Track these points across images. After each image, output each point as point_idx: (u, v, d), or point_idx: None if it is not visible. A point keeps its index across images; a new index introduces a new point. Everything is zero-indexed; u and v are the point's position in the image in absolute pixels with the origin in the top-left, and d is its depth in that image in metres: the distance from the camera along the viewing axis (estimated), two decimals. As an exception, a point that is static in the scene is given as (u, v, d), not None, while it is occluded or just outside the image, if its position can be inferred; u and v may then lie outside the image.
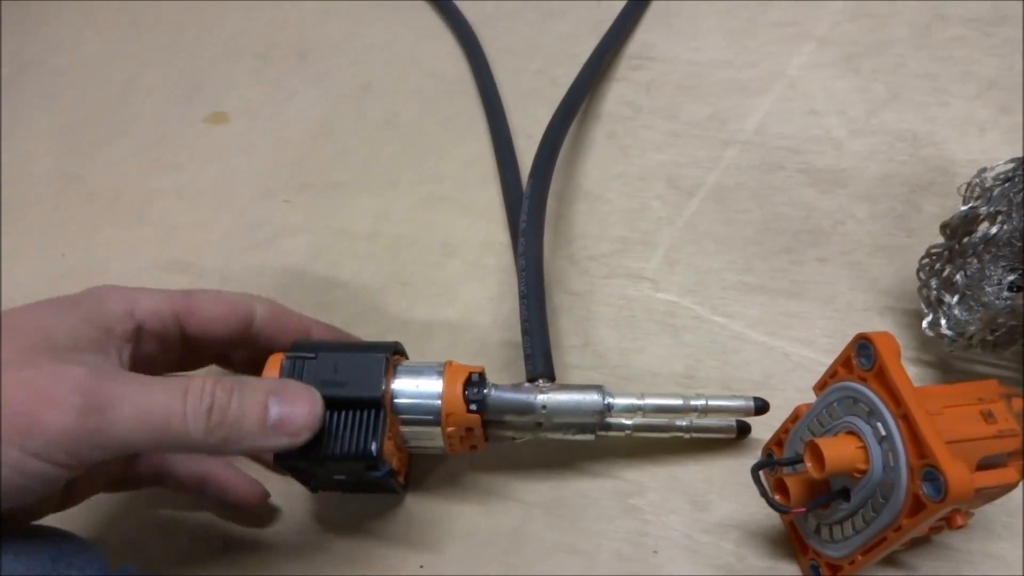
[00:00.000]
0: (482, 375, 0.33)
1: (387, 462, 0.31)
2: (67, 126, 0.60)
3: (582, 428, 0.34)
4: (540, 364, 0.34)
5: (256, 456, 0.38)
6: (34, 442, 0.25)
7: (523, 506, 0.36)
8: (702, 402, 0.34)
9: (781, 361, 0.38)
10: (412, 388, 0.33)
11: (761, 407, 0.34)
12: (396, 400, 0.32)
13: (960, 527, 0.28)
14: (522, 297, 0.36)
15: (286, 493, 0.37)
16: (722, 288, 0.41)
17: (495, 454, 0.37)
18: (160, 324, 0.32)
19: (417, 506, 0.36)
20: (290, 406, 0.29)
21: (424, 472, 0.37)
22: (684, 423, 0.35)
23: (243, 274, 0.47)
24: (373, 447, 0.30)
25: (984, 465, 0.28)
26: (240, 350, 0.36)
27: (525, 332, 0.35)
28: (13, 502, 0.26)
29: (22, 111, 0.62)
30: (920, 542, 0.33)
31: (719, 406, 0.34)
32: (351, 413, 0.31)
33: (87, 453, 0.26)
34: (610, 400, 0.34)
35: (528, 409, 0.33)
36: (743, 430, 0.36)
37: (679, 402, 0.34)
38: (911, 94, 0.47)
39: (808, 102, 0.48)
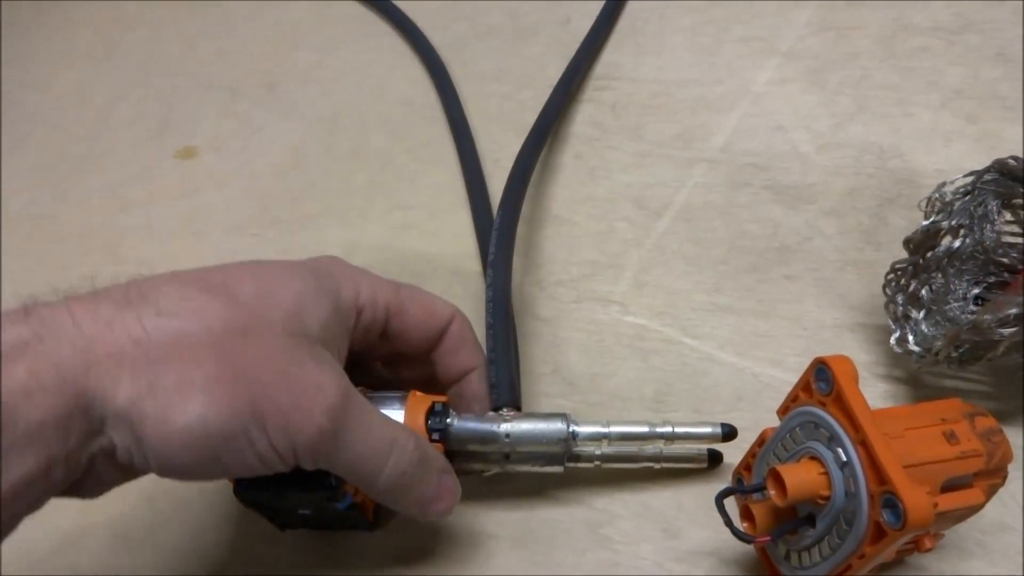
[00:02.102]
0: (445, 405, 0.33)
1: (347, 493, 0.31)
2: (39, 165, 0.60)
3: (550, 459, 0.34)
4: (505, 393, 0.34)
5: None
6: (283, 443, 0.26)
7: (492, 539, 0.35)
8: (668, 429, 0.34)
9: (751, 382, 0.38)
10: None
11: (728, 433, 0.34)
12: None
13: (929, 550, 0.28)
14: (488, 327, 0.36)
15: (252, 535, 0.37)
16: (691, 309, 0.41)
17: (463, 485, 0.36)
18: (372, 316, 0.31)
19: (383, 541, 0.36)
20: (448, 488, 0.31)
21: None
22: (653, 450, 0.35)
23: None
24: (333, 479, 0.30)
25: (949, 487, 0.28)
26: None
27: (491, 361, 0.35)
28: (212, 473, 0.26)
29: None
30: (893, 564, 0.32)
31: (686, 433, 0.34)
32: None
33: (298, 464, 0.27)
34: (575, 428, 0.33)
35: (492, 438, 0.33)
36: (715, 458, 0.35)
37: (645, 429, 0.34)
38: (876, 106, 0.47)
39: (774, 118, 0.48)
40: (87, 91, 0.64)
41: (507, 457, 0.33)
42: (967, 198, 0.35)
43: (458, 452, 0.33)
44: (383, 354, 0.35)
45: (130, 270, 0.50)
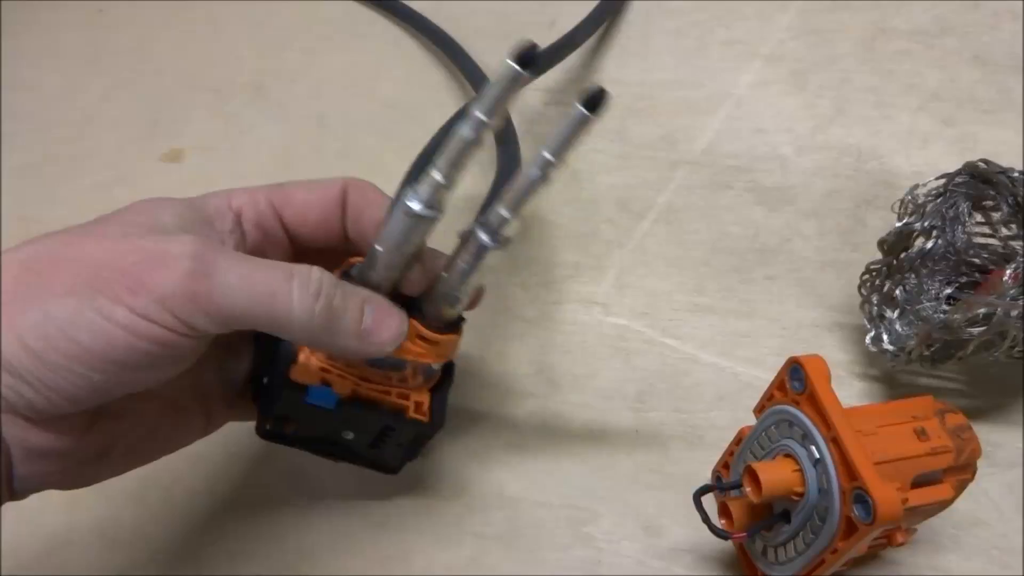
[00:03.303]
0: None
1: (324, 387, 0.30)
2: (26, 166, 0.60)
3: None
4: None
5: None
6: (141, 301, 0.25)
7: (478, 539, 0.36)
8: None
9: (731, 381, 0.39)
10: None
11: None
12: None
13: (902, 544, 0.28)
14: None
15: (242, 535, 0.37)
16: (672, 310, 0.42)
17: (450, 484, 0.37)
18: (256, 213, 0.31)
19: (373, 542, 0.36)
20: (382, 317, 0.29)
21: (377, 507, 0.37)
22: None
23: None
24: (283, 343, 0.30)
25: (919, 483, 0.29)
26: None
27: None
28: (140, 374, 0.26)
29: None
30: (867, 558, 0.33)
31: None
32: None
33: (194, 319, 0.26)
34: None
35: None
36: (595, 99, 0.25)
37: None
38: (856, 109, 0.48)
39: (756, 120, 0.49)
40: (74, 91, 0.64)
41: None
42: (939, 200, 0.35)
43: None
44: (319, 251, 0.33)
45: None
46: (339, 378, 0.31)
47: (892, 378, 0.38)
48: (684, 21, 0.55)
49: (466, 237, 0.29)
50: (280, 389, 0.30)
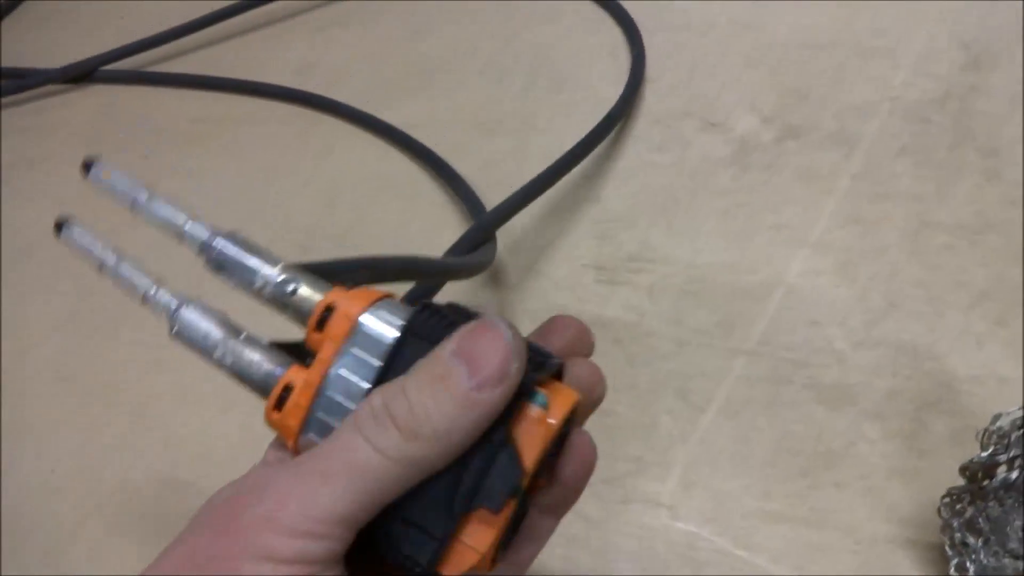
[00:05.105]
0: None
1: None
2: (66, 315, 0.59)
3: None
4: None
5: None
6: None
7: None
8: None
9: (808, 601, 0.38)
10: None
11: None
12: None
13: None
14: None
15: None
16: (742, 516, 0.41)
17: None
18: None
19: None
20: (471, 346, 0.23)
21: None
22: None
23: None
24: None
25: None
26: None
27: None
28: None
29: (22, 297, 0.61)
30: None
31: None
32: None
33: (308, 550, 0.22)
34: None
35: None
36: None
37: None
38: (908, 303, 0.49)
39: (809, 311, 0.49)
40: (116, 239, 0.64)
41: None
42: (1021, 431, 0.35)
43: None
44: None
45: (159, 442, 0.49)
46: None
47: (974, 605, 0.37)
48: (731, 201, 0.57)
49: None
50: None
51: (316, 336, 0.26)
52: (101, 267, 0.29)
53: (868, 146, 0.57)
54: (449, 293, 0.48)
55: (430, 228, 0.60)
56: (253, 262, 0.28)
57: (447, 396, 0.22)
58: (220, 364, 0.27)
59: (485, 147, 0.63)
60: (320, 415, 0.25)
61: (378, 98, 0.69)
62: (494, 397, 0.23)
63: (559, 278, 0.54)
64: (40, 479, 0.49)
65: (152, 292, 0.28)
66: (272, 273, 0.27)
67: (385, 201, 0.62)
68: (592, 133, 0.57)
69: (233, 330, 0.27)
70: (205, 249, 0.28)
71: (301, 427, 0.25)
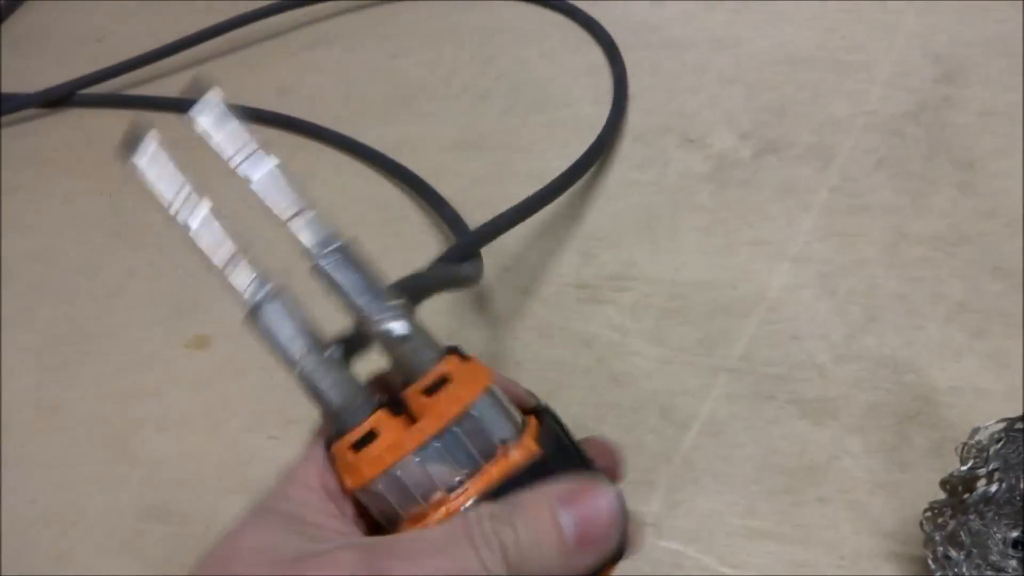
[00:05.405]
0: None
1: None
2: (45, 343, 0.59)
3: None
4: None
5: None
6: None
7: None
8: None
9: (794, 618, 0.38)
10: None
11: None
12: None
13: None
14: None
15: None
16: (726, 534, 0.41)
17: None
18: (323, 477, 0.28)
19: None
20: (584, 506, 0.24)
21: None
22: None
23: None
24: None
25: None
26: None
27: None
28: None
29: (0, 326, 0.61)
30: None
31: None
32: None
33: None
34: None
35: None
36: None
37: None
38: (887, 316, 0.49)
39: (790, 325, 0.50)
40: (96, 265, 0.64)
41: None
42: (999, 444, 0.36)
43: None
44: None
45: (142, 471, 0.49)
46: None
47: (959, 618, 0.37)
48: (711, 219, 0.57)
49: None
50: None
51: (420, 400, 0.25)
52: (173, 211, 0.26)
53: (845, 160, 0.57)
54: (437, 308, 0.48)
55: (412, 250, 0.60)
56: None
57: (553, 550, 0.24)
58: (293, 371, 0.26)
59: (467, 168, 0.63)
60: (399, 474, 0.24)
61: (359, 120, 0.69)
62: (592, 557, 0.25)
63: (544, 296, 0.54)
64: (20, 510, 0.48)
65: (233, 265, 0.26)
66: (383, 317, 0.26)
67: (369, 224, 0.62)
68: (580, 161, 0.56)
69: (316, 340, 0.26)
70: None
71: (374, 480, 0.25)
